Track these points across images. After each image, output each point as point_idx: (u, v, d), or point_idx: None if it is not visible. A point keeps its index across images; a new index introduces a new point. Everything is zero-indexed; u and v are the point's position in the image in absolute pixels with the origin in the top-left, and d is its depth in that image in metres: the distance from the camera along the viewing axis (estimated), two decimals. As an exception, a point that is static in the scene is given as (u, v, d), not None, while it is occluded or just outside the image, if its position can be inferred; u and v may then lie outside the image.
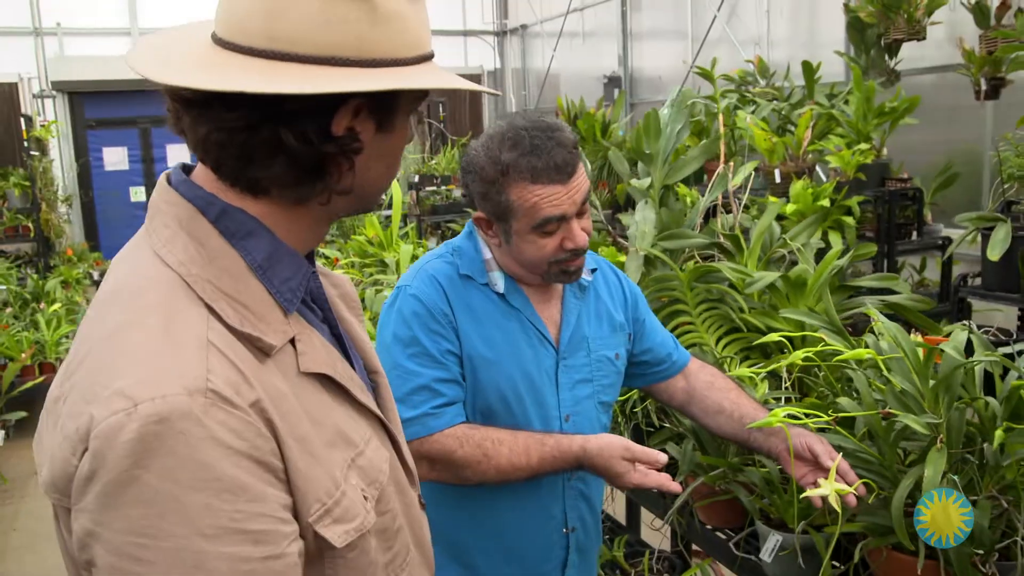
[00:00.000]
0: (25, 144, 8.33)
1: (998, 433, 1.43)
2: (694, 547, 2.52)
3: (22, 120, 8.40)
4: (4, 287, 6.58)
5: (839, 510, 1.49)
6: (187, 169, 0.94)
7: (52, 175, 9.11)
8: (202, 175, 0.91)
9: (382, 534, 0.96)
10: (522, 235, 1.56)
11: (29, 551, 4.16)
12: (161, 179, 0.93)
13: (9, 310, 6.23)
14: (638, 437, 2.29)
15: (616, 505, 2.66)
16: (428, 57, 0.92)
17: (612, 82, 10.25)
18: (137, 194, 12.45)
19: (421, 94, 0.94)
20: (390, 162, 0.95)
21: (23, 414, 4.95)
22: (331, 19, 0.83)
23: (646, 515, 2.65)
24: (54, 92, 11.48)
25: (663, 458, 1.56)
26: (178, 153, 12.51)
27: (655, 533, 2.54)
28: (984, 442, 1.50)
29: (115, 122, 12.04)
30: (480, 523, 1.67)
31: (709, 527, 2.11)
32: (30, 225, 8.21)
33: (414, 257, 4.11)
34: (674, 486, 1.55)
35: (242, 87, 0.80)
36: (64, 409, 0.81)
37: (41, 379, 5.47)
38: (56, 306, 6.31)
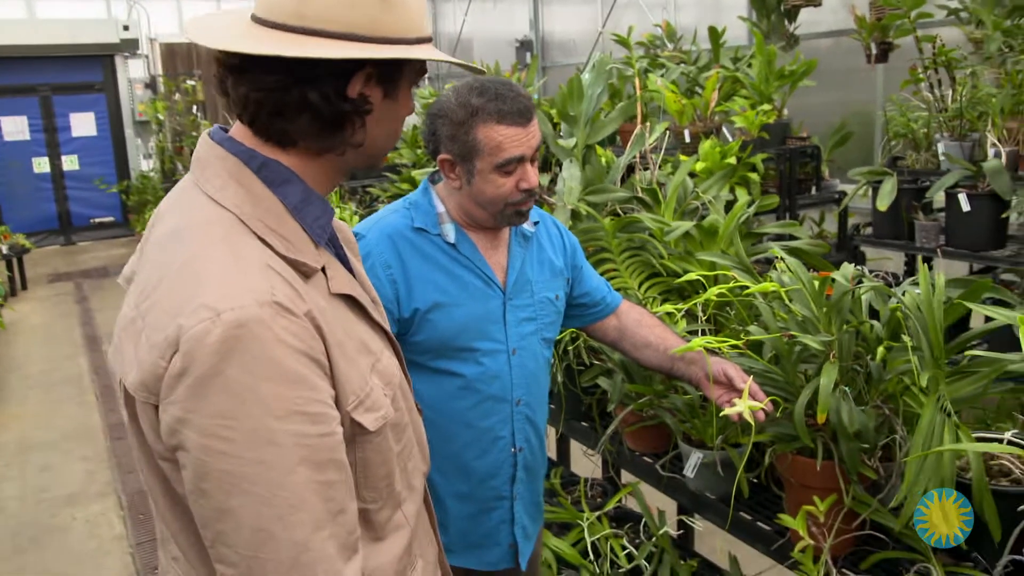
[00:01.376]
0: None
1: (880, 350, 1.70)
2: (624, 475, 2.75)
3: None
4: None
5: (752, 423, 1.73)
6: (223, 129, 1.13)
7: (-49, 146, 8.85)
8: (240, 133, 1.11)
9: (395, 427, 1.17)
10: (484, 174, 1.76)
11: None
12: (204, 136, 1.12)
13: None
14: (570, 376, 2.51)
15: (548, 442, 2.88)
16: (427, 39, 1.12)
17: (524, 46, 10.40)
18: (40, 165, 11.87)
19: (420, 70, 1.15)
20: (394, 127, 1.16)
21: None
22: (351, 2, 1.04)
23: (575, 448, 2.88)
24: (-54, 59, 11.03)
25: None
26: (82, 121, 12.04)
27: (586, 465, 2.78)
28: (870, 358, 1.76)
29: (13, 90, 11.56)
30: (437, 446, 1.84)
31: (637, 452, 2.36)
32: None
33: (340, 219, 4.29)
34: None
35: (278, 52, 1.01)
36: (147, 323, 0.99)
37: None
38: (-29, 280, 6.21)
